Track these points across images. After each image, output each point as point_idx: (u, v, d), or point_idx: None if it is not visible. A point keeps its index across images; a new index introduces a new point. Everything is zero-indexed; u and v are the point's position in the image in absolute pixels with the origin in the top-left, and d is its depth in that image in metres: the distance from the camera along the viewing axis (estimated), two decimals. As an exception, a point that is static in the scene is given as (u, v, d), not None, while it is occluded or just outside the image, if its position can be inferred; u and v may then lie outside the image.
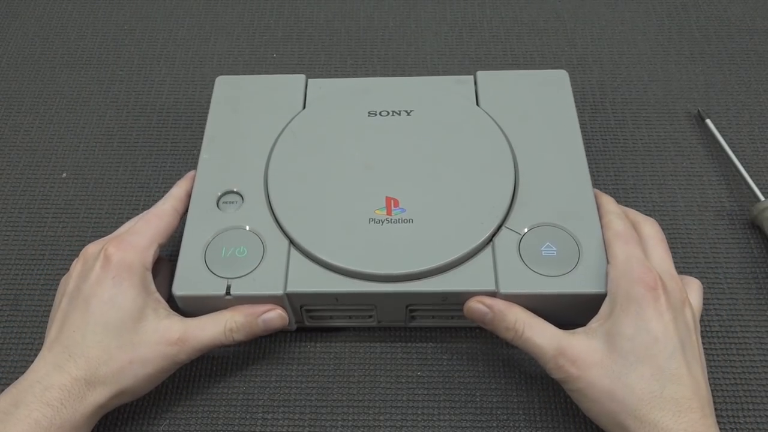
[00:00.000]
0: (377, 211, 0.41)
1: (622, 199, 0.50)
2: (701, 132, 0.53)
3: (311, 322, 0.43)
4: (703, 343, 0.43)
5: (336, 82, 0.49)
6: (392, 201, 0.42)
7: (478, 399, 0.41)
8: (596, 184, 0.50)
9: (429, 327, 0.44)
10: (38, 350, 0.38)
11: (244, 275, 0.40)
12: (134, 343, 0.37)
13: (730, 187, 0.50)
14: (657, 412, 0.33)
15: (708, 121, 0.52)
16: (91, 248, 0.39)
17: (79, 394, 0.35)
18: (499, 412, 0.41)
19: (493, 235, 0.41)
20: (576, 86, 0.56)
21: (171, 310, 0.39)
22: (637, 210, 0.43)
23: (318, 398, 0.41)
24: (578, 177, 0.43)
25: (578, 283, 0.38)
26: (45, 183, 0.51)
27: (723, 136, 0.51)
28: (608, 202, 0.42)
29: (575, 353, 0.35)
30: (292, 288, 0.39)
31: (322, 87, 0.49)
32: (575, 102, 0.55)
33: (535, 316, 0.38)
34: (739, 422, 0.40)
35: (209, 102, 0.55)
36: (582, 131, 0.53)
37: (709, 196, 0.50)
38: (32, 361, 0.36)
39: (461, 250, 0.39)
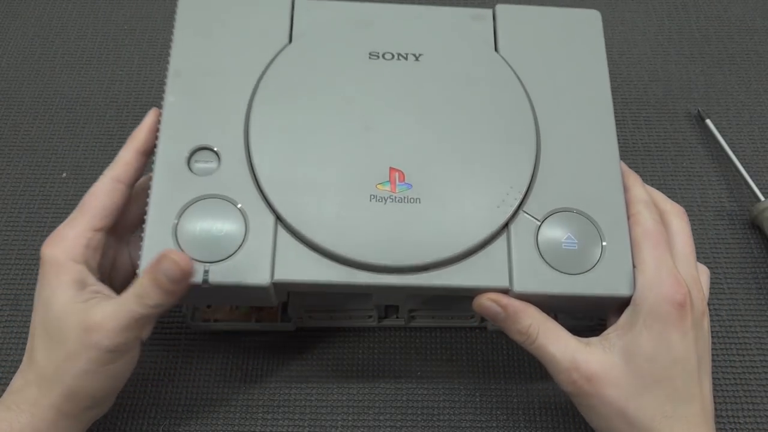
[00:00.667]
0: (379, 186, 0.36)
1: (622, 199, 0.50)
2: (701, 132, 0.53)
3: (310, 322, 0.42)
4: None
5: (330, 6, 0.41)
6: (397, 174, 0.36)
7: (478, 399, 0.41)
8: (596, 184, 0.50)
9: (429, 327, 0.44)
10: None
11: (224, 259, 0.34)
12: (63, 339, 0.34)
13: (730, 187, 0.50)
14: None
15: (708, 121, 0.52)
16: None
17: (31, 397, 0.34)
18: (499, 412, 0.41)
19: (509, 220, 0.36)
20: (576, 86, 0.56)
21: (108, 299, 0.35)
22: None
23: (318, 398, 0.41)
24: (605, 150, 0.38)
25: (601, 283, 0.35)
26: (45, 183, 0.51)
27: (723, 136, 0.51)
28: (635, 184, 0.38)
29: (591, 369, 0.33)
30: (281, 276, 0.34)
31: (312, 12, 0.41)
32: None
33: (551, 320, 0.35)
34: (739, 422, 0.40)
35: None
36: (582, 131, 0.53)
37: (709, 196, 0.50)
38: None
39: (474, 239, 0.35)
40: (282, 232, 0.35)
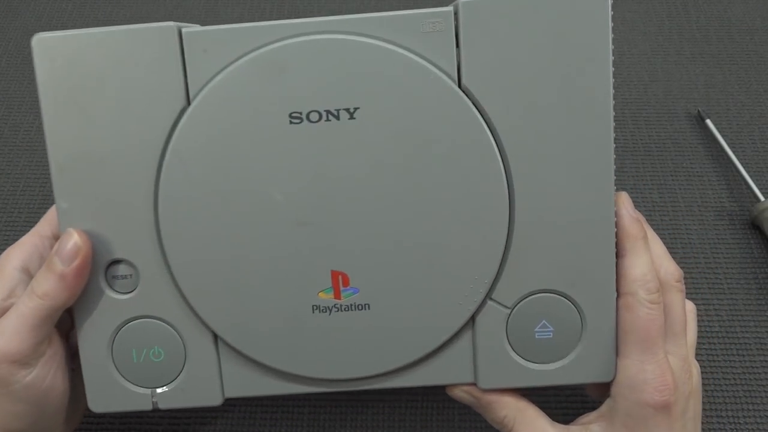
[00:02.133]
0: (322, 294, 0.31)
1: (622, 199, 0.50)
2: (701, 132, 0.53)
3: None
4: (704, 343, 0.43)
5: (229, 37, 0.30)
6: (340, 277, 0.31)
7: (478, 399, 0.41)
8: (596, 184, 0.50)
9: None
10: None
11: (169, 383, 0.32)
12: None
13: (730, 187, 0.50)
14: None
15: (708, 121, 0.52)
16: None
17: None
18: (499, 412, 0.41)
19: (476, 312, 0.31)
20: (576, 86, 0.56)
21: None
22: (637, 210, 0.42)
23: (318, 398, 0.41)
24: (598, 212, 0.31)
25: (578, 373, 0.32)
26: (45, 183, 0.51)
27: (723, 136, 0.51)
28: (636, 252, 0.31)
29: None
30: (232, 394, 0.32)
31: (210, 53, 0.30)
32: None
33: (530, 407, 0.33)
34: (739, 422, 0.40)
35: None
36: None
37: (709, 196, 0.50)
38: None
39: (434, 342, 0.31)
40: (224, 349, 0.32)
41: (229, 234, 0.31)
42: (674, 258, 0.41)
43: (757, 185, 0.48)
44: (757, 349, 0.43)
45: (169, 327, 0.32)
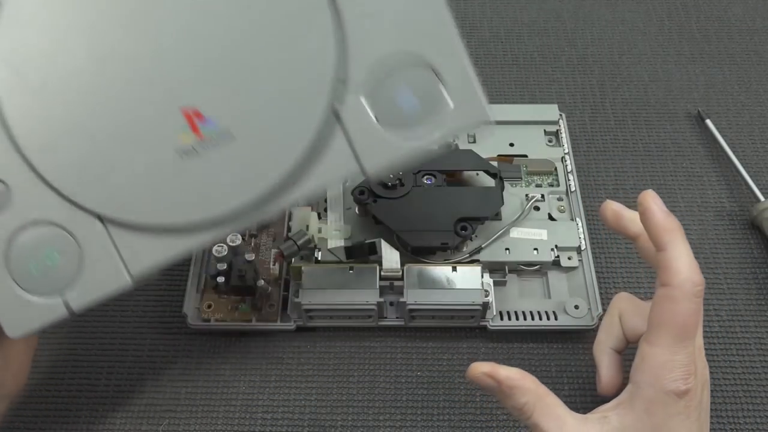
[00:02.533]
0: (182, 137, 0.30)
1: (622, 200, 0.49)
2: (701, 132, 0.53)
3: (310, 322, 0.42)
4: (704, 343, 0.43)
5: None
6: (193, 113, 0.30)
7: (478, 399, 0.41)
8: (596, 184, 0.50)
9: (429, 327, 0.43)
10: (38, 350, 0.38)
11: (73, 282, 0.31)
12: None
13: (730, 187, 0.50)
14: None
15: (708, 121, 0.52)
16: None
17: None
18: (499, 412, 0.41)
19: (334, 102, 0.30)
20: (576, 86, 0.56)
21: None
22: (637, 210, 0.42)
23: (318, 398, 0.41)
24: None
25: (454, 118, 0.30)
26: (45, 183, 0.51)
27: (723, 136, 0.51)
28: (676, 242, 0.31)
29: None
30: (136, 269, 0.31)
31: None
32: (574, 102, 0.55)
33: (549, 395, 0.33)
34: (739, 422, 0.40)
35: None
36: (582, 131, 0.53)
37: (709, 196, 0.50)
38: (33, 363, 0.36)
39: (304, 144, 0.30)
40: (112, 227, 0.31)
41: (78, 111, 0.30)
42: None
43: (756, 185, 0.48)
44: (757, 349, 0.43)
45: (54, 227, 0.31)
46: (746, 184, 0.49)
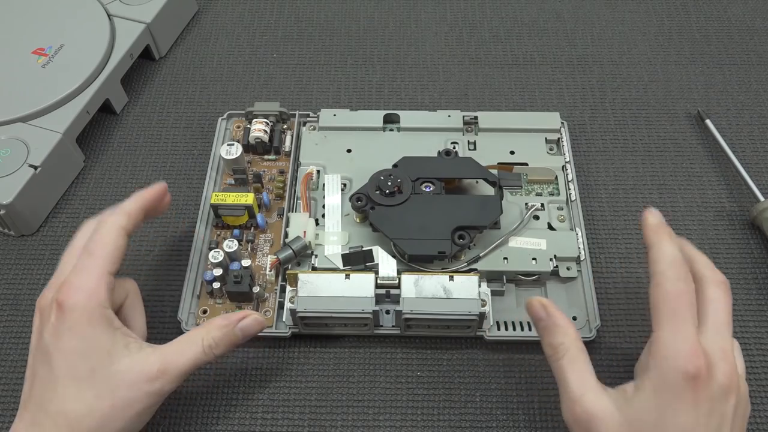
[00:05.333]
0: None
1: (622, 199, 0.50)
2: (701, 132, 0.53)
3: (306, 329, 0.42)
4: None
5: None
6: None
7: (478, 399, 0.41)
8: (596, 183, 0.50)
9: (425, 336, 0.43)
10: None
11: None
12: (112, 387, 0.34)
13: (730, 187, 0.50)
14: None
15: (708, 121, 0.52)
16: (43, 299, 0.36)
17: None
18: (499, 412, 0.41)
19: None
20: (576, 86, 0.56)
21: (142, 341, 0.37)
22: (637, 210, 0.42)
23: (318, 398, 0.41)
24: None
25: None
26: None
27: (723, 136, 0.51)
28: (662, 240, 0.35)
29: (595, 412, 0.33)
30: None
31: None
32: (574, 102, 0.55)
33: (584, 350, 0.35)
34: (739, 422, 0.40)
35: (209, 102, 0.55)
36: (582, 131, 0.53)
37: (709, 196, 0.50)
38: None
39: None
40: None
41: None
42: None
43: (756, 185, 0.48)
44: (757, 349, 0.43)
45: None
46: (746, 184, 0.49)
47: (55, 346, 0.34)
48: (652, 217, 0.37)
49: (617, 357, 0.43)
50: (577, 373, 0.34)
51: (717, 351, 0.33)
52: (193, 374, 0.42)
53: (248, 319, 0.38)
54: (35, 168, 0.46)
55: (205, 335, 0.37)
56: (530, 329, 0.42)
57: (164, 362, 0.35)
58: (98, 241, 0.37)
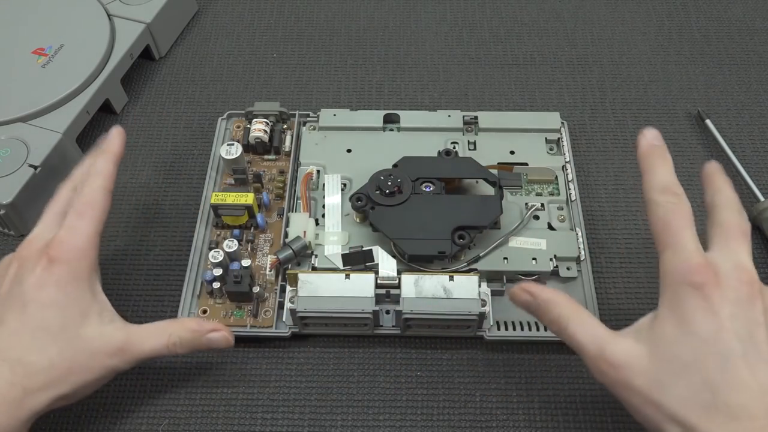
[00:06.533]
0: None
1: (622, 199, 0.50)
2: (701, 132, 0.53)
3: (306, 329, 0.42)
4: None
5: None
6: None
7: (477, 399, 0.41)
8: (596, 184, 0.50)
9: (425, 336, 0.43)
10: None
11: None
12: (75, 349, 0.35)
13: (730, 187, 0.50)
14: (704, 422, 0.30)
15: (708, 121, 0.52)
16: (27, 250, 0.37)
17: (14, 399, 0.33)
18: (498, 412, 0.41)
19: None
20: (576, 86, 0.56)
21: (116, 313, 0.38)
22: (637, 210, 0.42)
23: (318, 398, 0.41)
24: None
25: None
26: (45, 183, 0.51)
27: (723, 136, 0.51)
28: (653, 167, 0.36)
29: (618, 359, 0.32)
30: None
31: None
32: (574, 102, 0.55)
33: (582, 309, 0.35)
34: (739, 422, 0.40)
35: (209, 102, 0.55)
36: (582, 131, 0.53)
37: (709, 196, 0.50)
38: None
39: None
40: None
41: None
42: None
43: (757, 185, 0.48)
44: (757, 349, 0.43)
45: None
46: (746, 184, 0.49)
47: (33, 296, 0.35)
48: (644, 140, 0.37)
49: (617, 357, 0.43)
50: (587, 333, 0.34)
51: (728, 264, 0.33)
52: (192, 374, 0.42)
53: (218, 334, 0.38)
54: (35, 168, 0.46)
55: (173, 332, 0.37)
56: (530, 329, 0.42)
57: (127, 342, 0.36)
58: (87, 203, 0.38)
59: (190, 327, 0.37)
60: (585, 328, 0.34)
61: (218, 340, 0.38)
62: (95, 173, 0.39)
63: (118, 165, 0.40)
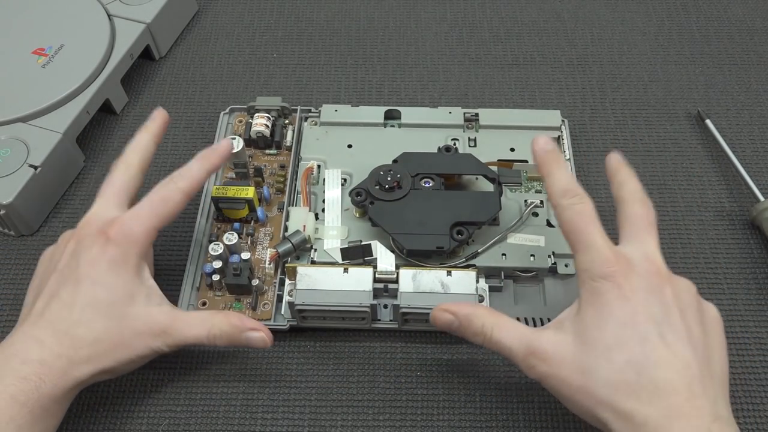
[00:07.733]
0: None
1: (622, 199, 0.50)
2: (701, 132, 0.53)
3: (304, 322, 0.42)
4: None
5: None
6: None
7: (478, 399, 0.41)
8: (597, 184, 0.50)
9: (423, 331, 0.43)
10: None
11: None
12: (120, 326, 0.36)
13: (730, 187, 0.50)
14: (632, 402, 0.31)
15: (708, 121, 0.52)
16: (86, 229, 0.38)
17: (61, 370, 0.35)
18: (499, 412, 0.41)
19: None
20: (576, 86, 0.56)
21: (165, 298, 0.39)
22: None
23: (318, 398, 0.41)
24: None
25: None
26: (45, 183, 0.51)
27: (723, 136, 0.51)
28: (554, 171, 0.37)
29: (545, 351, 0.34)
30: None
31: None
32: (574, 102, 0.55)
33: (502, 315, 0.36)
34: (739, 422, 0.40)
35: (209, 102, 0.55)
36: (582, 131, 0.53)
37: (709, 196, 0.50)
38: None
39: None
40: None
41: None
42: (674, 258, 0.41)
43: (756, 185, 0.48)
44: (757, 349, 0.43)
45: None
46: (746, 184, 0.49)
47: (88, 272, 0.36)
48: (537, 147, 0.38)
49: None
50: (512, 335, 0.35)
51: (637, 254, 0.35)
52: (192, 374, 0.42)
53: (257, 334, 0.38)
54: (35, 168, 0.46)
55: (216, 323, 0.38)
56: (528, 325, 0.42)
57: (171, 327, 0.37)
58: (163, 198, 0.39)
59: (232, 322, 0.38)
60: (509, 331, 0.36)
61: (256, 340, 0.38)
62: (188, 176, 0.40)
63: (209, 175, 0.42)
